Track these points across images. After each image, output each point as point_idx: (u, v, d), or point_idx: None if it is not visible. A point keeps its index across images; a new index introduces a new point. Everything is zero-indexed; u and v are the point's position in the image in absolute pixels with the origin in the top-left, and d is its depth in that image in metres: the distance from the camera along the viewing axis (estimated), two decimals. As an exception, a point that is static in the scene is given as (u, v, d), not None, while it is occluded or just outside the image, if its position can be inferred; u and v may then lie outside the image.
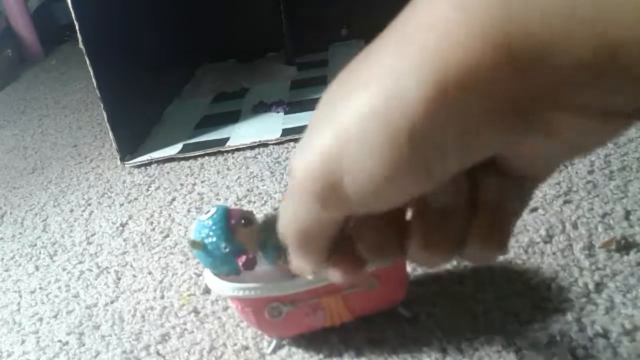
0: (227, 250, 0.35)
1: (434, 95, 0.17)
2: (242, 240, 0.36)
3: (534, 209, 0.51)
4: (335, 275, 0.25)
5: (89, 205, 0.69)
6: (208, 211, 0.37)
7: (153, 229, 0.60)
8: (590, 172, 0.55)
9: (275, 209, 0.59)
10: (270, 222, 0.36)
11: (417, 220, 0.23)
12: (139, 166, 0.76)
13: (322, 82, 0.92)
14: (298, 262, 0.25)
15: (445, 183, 0.20)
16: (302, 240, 0.23)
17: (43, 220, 0.68)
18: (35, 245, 0.63)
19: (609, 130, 0.18)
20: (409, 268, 0.46)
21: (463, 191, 0.22)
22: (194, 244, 0.36)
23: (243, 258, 0.36)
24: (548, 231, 0.48)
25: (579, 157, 0.21)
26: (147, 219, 0.63)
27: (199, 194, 0.66)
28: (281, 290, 0.37)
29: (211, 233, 0.36)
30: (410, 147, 0.18)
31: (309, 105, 0.84)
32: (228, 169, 0.71)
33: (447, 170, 0.19)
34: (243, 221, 0.36)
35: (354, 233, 0.24)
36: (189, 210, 0.63)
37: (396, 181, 0.19)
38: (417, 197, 0.21)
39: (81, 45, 0.71)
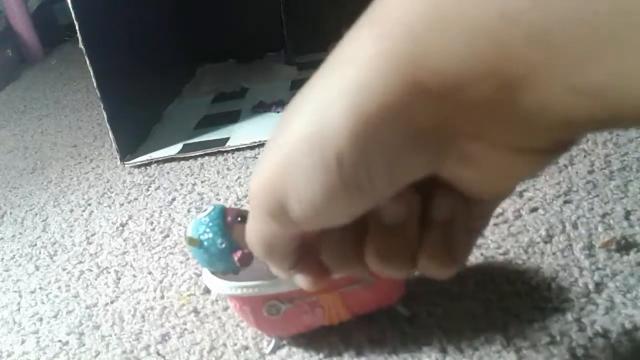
0: (223, 246, 0.36)
1: (355, 125, 0.18)
2: (238, 237, 0.36)
3: (534, 209, 0.51)
4: (302, 281, 0.26)
5: (89, 205, 0.69)
6: (205, 209, 0.37)
7: (153, 229, 0.60)
8: (590, 172, 0.55)
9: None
10: None
11: (371, 234, 0.23)
12: (139, 166, 0.76)
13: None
14: (272, 268, 0.26)
15: (389, 200, 0.21)
16: (264, 250, 0.24)
17: (43, 220, 0.68)
18: (35, 245, 0.63)
19: (525, 164, 0.19)
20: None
21: (413, 207, 0.22)
22: (190, 241, 0.36)
23: (239, 253, 0.36)
24: (548, 231, 0.48)
25: (514, 184, 0.21)
26: (147, 219, 0.63)
27: (199, 194, 0.66)
28: (279, 288, 0.37)
29: (208, 230, 0.36)
30: (339, 173, 0.19)
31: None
32: (228, 169, 0.71)
33: (380, 192, 0.20)
34: (239, 219, 0.37)
35: (317, 242, 0.25)
36: (189, 210, 0.63)
37: (333, 202, 0.20)
38: (367, 213, 0.21)
39: (81, 45, 0.71)
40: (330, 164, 0.18)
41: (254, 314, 0.38)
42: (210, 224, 0.36)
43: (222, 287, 0.37)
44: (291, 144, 0.20)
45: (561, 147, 0.18)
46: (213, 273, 0.38)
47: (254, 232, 0.24)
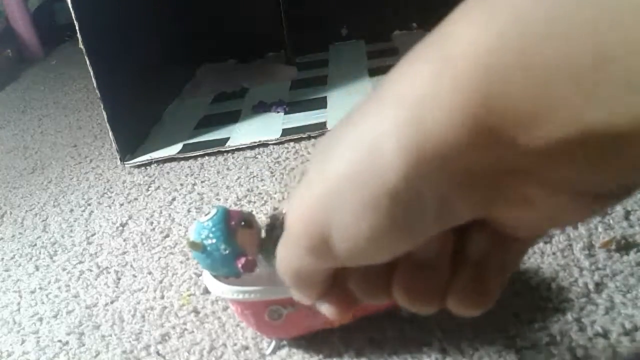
0: (227, 252, 0.35)
1: (411, 163, 0.17)
2: (242, 242, 0.36)
3: (534, 209, 0.51)
4: (327, 311, 0.26)
5: (89, 205, 0.69)
6: (208, 212, 0.37)
7: (153, 229, 0.60)
8: (590, 172, 0.55)
9: (276, 209, 0.59)
10: (271, 224, 0.36)
11: (401, 268, 0.23)
12: (139, 166, 0.76)
13: (322, 82, 0.92)
14: (295, 296, 0.26)
15: (429, 240, 0.20)
16: (295, 280, 0.24)
17: (43, 220, 0.68)
18: (35, 245, 0.63)
19: (583, 208, 0.18)
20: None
21: (447, 244, 0.22)
22: (193, 245, 0.36)
23: (243, 260, 0.35)
24: (548, 231, 0.48)
25: (565, 226, 0.21)
26: (147, 219, 0.63)
27: (199, 194, 0.66)
28: (281, 293, 0.37)
29: (211, 235, 0.36)
30: (389, 211, 0.18)
31: (309, 105, 0.84)
32: (228, 169, 0.71)
33: (428, 231, 0.19)
34: (243, 223, 0.36)
35: (347, 272, 0.24)
36: (189, 210, 0.63)
37: (379, 242, 0.19)
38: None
39: (81, 45, 0.71)
40: (381, 202, 0.18)
41: (256, 318, 0.38)
42: (214, 228, 0.36)
43: (224, 291, 0.37)
44: (337, 178, 0.19)
45: (625, 192, 0.18)
46: (214, 276, 0.38)
47: (287, 262, 0.23)
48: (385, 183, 0.17)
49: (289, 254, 0.23)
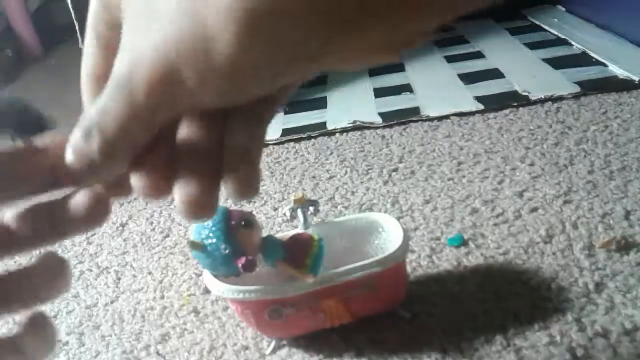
0: (227, 251, 0.35)
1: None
2: (242, 241, 0.36)
3: (534, 209, 0.51)
4: (140, 182, 0.24)
5: (89, 205, 0.69)
6: None
7: (153, 229, 0.60)
8: (590, 172, 0.55)
9: (275, 209, 0.59)
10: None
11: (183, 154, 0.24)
12: (139, 166, 0.76)
13: (322, 81, 0.92)
14: (105, 159, 0.23)
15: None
16: (120, 133, 0.22)
17: (43, 220, 0.68)
18: (35, 245, 0.63)
19: (386, 56, 0.21)
20: (408, 268, 0.46)
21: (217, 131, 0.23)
22: (193, 245, 0.36)
23: (243, 260, 0.35)
24: (548, 231, 0.48)
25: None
26: (147, 219, 0.63)
27: (199, 194, 0.66)
28: (282, 293, 0.37)
29: (211, 234, 0.35)
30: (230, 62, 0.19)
31: (309, 105, 0.84)
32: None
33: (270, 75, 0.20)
34: (243, 222, 0.36)
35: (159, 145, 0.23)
36: (189, 210, 0.63)
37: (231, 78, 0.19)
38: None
39: (81, 45, 0.71)
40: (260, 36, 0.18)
41: (256, 318, 0.38)
42: (214, 227, 0.35)
43: (224, 290, 0.37)
44: (170, 42, 0.19)
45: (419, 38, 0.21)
46: (215, 276, 0.38)
47: (118, 114, 0.21)
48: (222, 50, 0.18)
49: (122, 104, 0.21)
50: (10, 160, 0.25)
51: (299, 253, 0.37)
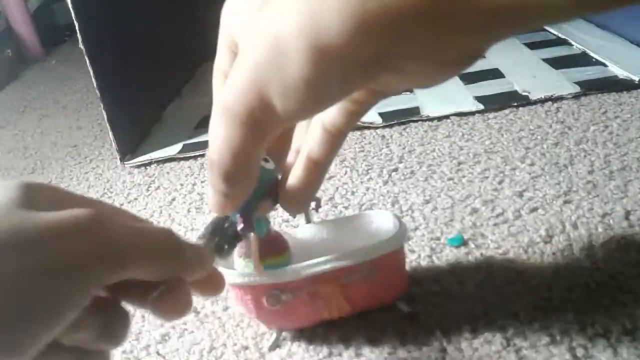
0: (251, 204, 0.34)
1: (313, 58, 0.22)
2: (261, 209, 0.35)
3: (534, 209, 0.51)
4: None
5: (89, 205, 0.69)
6: None
7: (153, 229, 0.60)
8: (590, 172, 0.55)
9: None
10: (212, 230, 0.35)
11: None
12: (139, 166, 0.76)
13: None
14: (230, 190, 0.28)
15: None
16: (232, 159, 0.27)
17: (43, 220, 0.68)
18: (35, 245, 0.63)
19: (442, 75, 0.24)
20: (408, 268, 0.46)
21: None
22: None
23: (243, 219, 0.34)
24: (548, 231, 0.48)
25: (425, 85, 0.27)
26: (147, 219, 0.63)
27: (199, 194, 0.66)
28: (280, 278, 0.37)
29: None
30: (307, 88, 0.23)
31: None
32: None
33: (337, 98, 0.25)
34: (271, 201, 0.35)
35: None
36: (188, 210, 0.63)
37: (314, 92, 0.23)
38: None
39: (81, 45, 0.71)
40: (298, 83, 0.22)
41: (255, 304, 0.39)
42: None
43: (225, 276, 0.37)
44: (258, 65, 0.23)
45: (468, 59, 0.23)
46: (215, 262, 0.38)
47: (229, 144, 0.26)
48: (296, 73, 0.22)
49: (230, 135, 0.26)
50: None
51: (278, 246, 0.38)
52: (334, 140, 0.31)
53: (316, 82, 0.22)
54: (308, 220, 0.43)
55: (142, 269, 0.25)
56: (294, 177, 0.33)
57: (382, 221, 0.42)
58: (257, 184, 0.30)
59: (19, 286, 0.20)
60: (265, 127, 0.25)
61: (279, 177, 0.35)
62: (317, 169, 0.32)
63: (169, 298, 0.26)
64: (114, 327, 0.26)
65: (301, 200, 0.34)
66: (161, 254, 0.26)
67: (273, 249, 0.38)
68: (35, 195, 0.25)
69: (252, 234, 0.36)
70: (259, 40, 0.23)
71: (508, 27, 0.21)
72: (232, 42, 0.28)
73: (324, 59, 0.21)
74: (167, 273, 0.26)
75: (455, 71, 0.24)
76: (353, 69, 0.22)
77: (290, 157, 0.34)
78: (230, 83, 0.25)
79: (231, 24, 0.28)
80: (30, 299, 0.21)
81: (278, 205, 0.35)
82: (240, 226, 0.34)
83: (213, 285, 0.30)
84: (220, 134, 0.26)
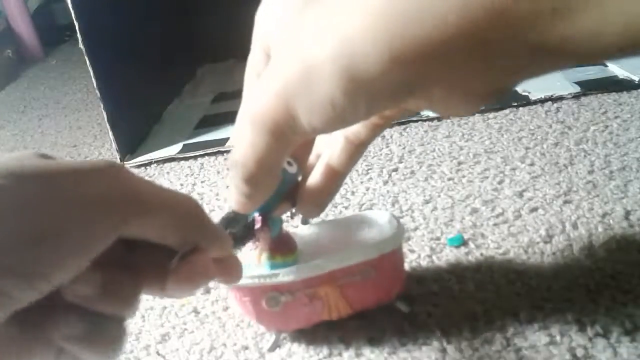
0: (274, 202, 0.34)
1: (345, 85, 0.22)
2: (277, 210, 0.35)
3: (534, 209, 0.51)
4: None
5: (89, 205, 0.69)
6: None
7: (153, 229, 0.60)
8: (590, 172, 0.55)
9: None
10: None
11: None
12: (139, 166, 0.76)
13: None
14: (251, 192, 0.29)
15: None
16: (258, 168, 0.28)
17: (43, 220, 0.68)
18: (35, 245, 0.63)
19: (467, 105, 0.25)
20: (408, 268, 0.46)
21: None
22: None
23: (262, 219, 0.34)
24: (548, 231, 0.48)
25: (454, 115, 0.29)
26: (147, 219, 0.63)
27: (199, 194, 0.66)
28: (278, 279, 0.37)
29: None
30: (334, 109, 0.24)
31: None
32: (228, 169, 0.71)
33: (362, 117, 0.25)
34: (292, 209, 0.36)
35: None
36: (189, 210, 0.63)
37: (338, 110, 0.24)
38: None
39: (81, 45, 0.71)
40: (325, 105, 0.23)
41: (254, 305, 0.39)
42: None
43: None
44: (290, 82, 0.24)
45: (494, 94, 0.24)
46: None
47: (254, 150, 0.27)
48: (325, 95, 0.23)
49: (255, 142, 0.26)
50: None
51: (288, 245, 0.38)
52: (355, 150, 0.32)
53: (343, 104, 0.23)
54: (305, 222, 0.43)
55: (164, 226, 0.24)
56: (313, 183, 0.33)
57: (379, 221, 0.42)
58: (279, 186, 0.31)
59: (42, 210, 0.20)
60: (289, 138, 0.26)
61: (300, 179, 0.35)
62: (336, 177, 0.33)
63: (190, 261, 0.25)
64: (116, 286, 0.25)
65: (318, 206, 0.35)
66: (184, 214, 0.25)
67: (283, 248, 0.38)
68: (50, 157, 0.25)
69: (276, 232, 0.37)
70: (293, 59, 0.24)
71: (548, 65, 0.21)
72: (266, 45, 0.29)
73: (354, 85, 0.22)
74: (190, 236, 0.25)
75: (479, 103, 0.25)
76: (382, 94, 0.23)
77: (311, 158, 0.35)
78: (260, 90, 0.25)
79: (266, 27, 0.28)
80: (53, 225, 0.20)
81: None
82: (257, 225, 0.34)
83: (232, 269, 0.29)
84: (246, 138, 0.27)
